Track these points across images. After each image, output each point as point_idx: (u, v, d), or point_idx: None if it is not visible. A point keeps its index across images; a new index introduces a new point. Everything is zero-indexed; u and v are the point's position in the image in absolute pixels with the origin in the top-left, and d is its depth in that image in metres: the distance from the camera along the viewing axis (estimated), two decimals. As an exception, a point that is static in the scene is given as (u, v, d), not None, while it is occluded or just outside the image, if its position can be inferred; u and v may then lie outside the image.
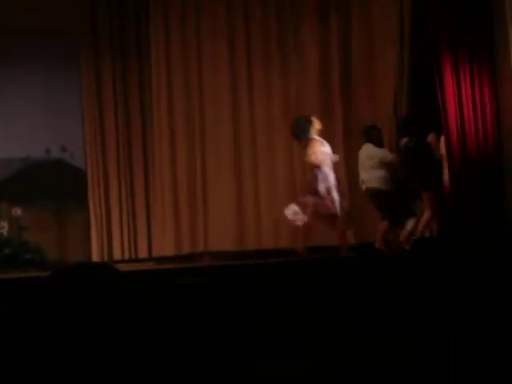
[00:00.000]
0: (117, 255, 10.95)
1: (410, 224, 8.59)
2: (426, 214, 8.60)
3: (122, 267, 9.12)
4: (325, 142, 8.70)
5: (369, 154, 8.72)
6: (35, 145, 11.03)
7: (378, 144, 8.82)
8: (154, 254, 10.86)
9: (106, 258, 10.83)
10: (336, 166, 8.82)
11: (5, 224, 10.42)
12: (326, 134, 9.10)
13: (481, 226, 7.84)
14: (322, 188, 8.50)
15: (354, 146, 9.32)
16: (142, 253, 11.00)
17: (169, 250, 10.67)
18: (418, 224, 8.59)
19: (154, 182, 10.96)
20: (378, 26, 9.48)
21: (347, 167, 9.54)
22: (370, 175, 8.68)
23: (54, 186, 11.05)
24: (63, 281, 2.27)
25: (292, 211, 8.55)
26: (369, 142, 8.77)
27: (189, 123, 10.68)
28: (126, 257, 10.99)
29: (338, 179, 8.70)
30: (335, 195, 8.52)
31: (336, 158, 8.75)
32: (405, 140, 8.69)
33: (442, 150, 8.61)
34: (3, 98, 10.93)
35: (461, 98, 8.41)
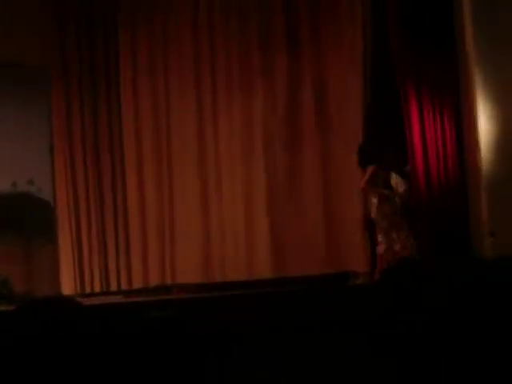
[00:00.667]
0: (88, 288, 10.88)
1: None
2: None
3: (91, 301, 9.06)
4: None
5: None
6: (1, 178, 10.96)
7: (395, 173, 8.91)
8: (123, 287, 10.81)
9: (76, 292, 10.75)
10: None
11: (-28, 258, 10.33)
12: (298, 161, 9.20)
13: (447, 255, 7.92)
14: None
15: (330, 173, 9.37)
16: (114, 286, 10.94)
17: (137, 283, 10.63)
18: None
19: (124, 214, 10.93)
20: (346, 53, 9.52)
21: (325, 195, 9.54)
22: None
23: (21, 219, 10.98)
24: (28, 314, 2.26)
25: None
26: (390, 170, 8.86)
27: (157, 154, 10.68)
28: (98, 290, 10.91)
29: None
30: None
31: None
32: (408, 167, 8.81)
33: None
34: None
35: (425, 132, 8.59)
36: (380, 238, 8.62)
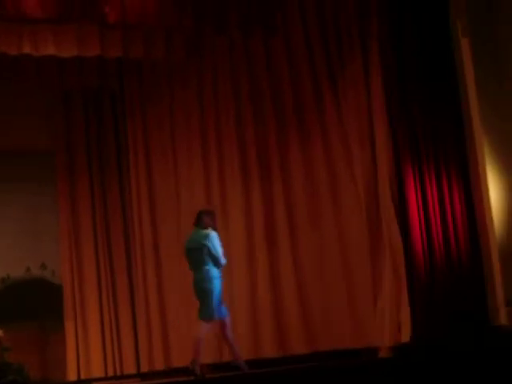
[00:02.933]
0: (99, 372, 10.70)
1: None
2: None
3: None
4: None
5: None
6: (15, 264, 10.97)
7: None
8: (143, 369, 10.64)
9: (82, 377, 10.62)
10: None
11: (-13, 345, 10.28)
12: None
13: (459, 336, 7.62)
14: None
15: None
16: (129, 368, 10.76)
17: (158, 364, 10.45)
18: None
19: (138, 293, 10.83)
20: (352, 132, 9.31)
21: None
22: None
23: (35, 304, 10.95)
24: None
25: None
26: None
27: (171, 236, 10.61)
28: (111, 373, 10.75)
29: None
30: None
31: None
32: None
33: None
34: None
35: (427, 203, 8.34)
36: None
